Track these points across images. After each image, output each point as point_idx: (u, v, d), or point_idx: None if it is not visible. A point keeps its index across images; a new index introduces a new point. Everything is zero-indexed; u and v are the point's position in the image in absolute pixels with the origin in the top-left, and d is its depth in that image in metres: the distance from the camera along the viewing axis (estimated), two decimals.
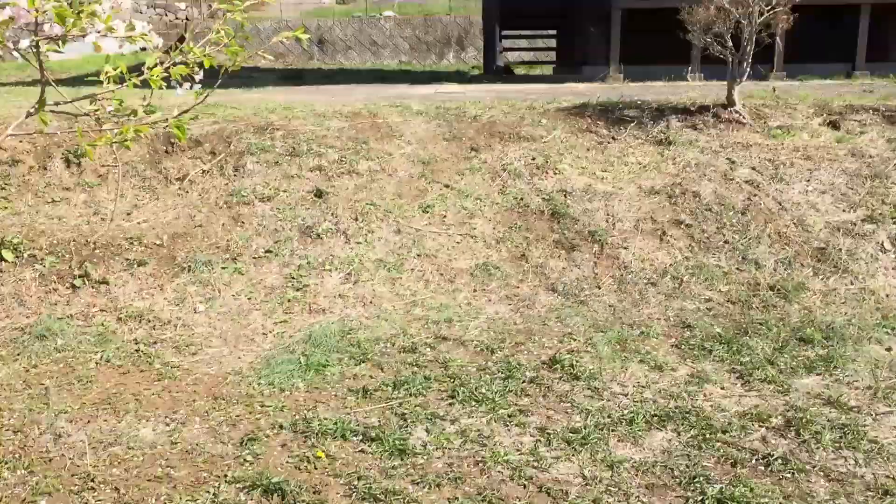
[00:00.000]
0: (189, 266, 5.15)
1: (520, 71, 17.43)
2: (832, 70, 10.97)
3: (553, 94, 8.75)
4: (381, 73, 17.90)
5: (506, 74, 11.51)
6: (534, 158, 6.21)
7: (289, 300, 4.94)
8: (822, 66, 11.01)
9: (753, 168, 5.97)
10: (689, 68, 10.55)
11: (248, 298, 4.94)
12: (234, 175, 5.99)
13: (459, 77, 16.07)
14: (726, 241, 5.48)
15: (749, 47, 6.43)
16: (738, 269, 5.26)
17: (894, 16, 11.30)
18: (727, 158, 6.08)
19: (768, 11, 6.34)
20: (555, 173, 6.06)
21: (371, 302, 4.94)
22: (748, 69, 6.54)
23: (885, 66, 11.17)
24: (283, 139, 6.34)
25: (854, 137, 6.43)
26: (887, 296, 5.01)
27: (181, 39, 3.14)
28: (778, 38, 6.48)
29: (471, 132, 6.56)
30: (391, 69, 19.60)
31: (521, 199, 5.84)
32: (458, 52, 21.19)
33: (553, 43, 15.96)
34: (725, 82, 10.04)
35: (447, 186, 5.93)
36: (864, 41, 10.55)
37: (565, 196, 5.82)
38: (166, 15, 21.82)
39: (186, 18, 22.23)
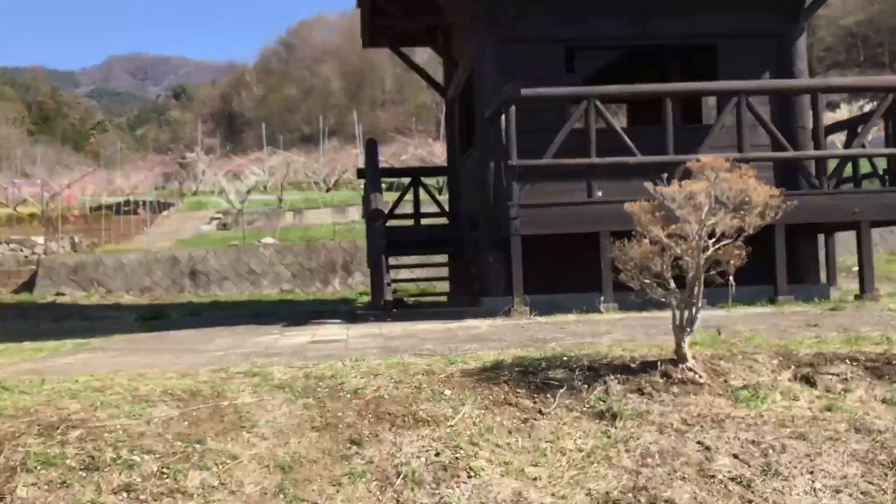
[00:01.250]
0: None
1: (411, 286, 16.09)
2: (754, 294, 9.94)
3: (452, 340, 7.17)
4: (257, 306, 16.19)
5: (396, 309, 9.92)
6: (438, 453, 4.46)
7: None
8: (744, 290, 9.98)
9: (736, 456, 4.38)
10: (602, 297, 9.29)
11: None
12: None
13: (346, 308, 14.51)
14: None
15: (698, 289, 5.05)
16: None
17: (805, 235, 10.55)
18: (698, 442, 4.49)
19: (715, 246, 5.02)
20: (469, 475, 4.30)
21: None
22: (698, 316, 5.12)
23: (803, 289, 10.24)
24: (81, 443, 4.40)
25: (839, 399, 5.00)
26: None
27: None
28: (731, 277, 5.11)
29: (351, 415, 4.80)
30: (271, 300, 17.93)
31: None
32: (345, 277, 19.82)
33: (446, 271, 14.72)
34: (645, 314, 8.79)
35: None
36: (783, 261, 9.63)
37: None
38: (21, 251, 19.80)
39: (44, 252, 20.28)
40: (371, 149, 11.49)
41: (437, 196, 15.05)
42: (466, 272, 12.17)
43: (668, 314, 8.83)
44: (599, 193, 9.38)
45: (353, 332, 8.47)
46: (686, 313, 5.08)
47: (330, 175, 46.14)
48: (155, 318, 13.43)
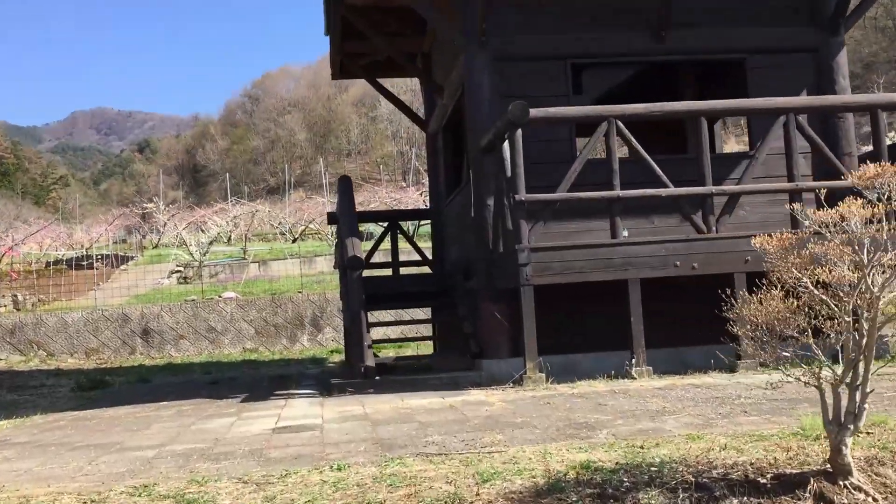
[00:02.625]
0: None
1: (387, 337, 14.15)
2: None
3: (463, 425, 5.33)
4: (215, 368, 14.15)
5: (379, 377, 8.04)
6: None
7: None
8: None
9: None
10: (632, 359, 7.51)
11: None
12: None
13: (317, 371, 12.55)
14: None
15: (866, 364, 3.29)
16: None
17: None
18: None
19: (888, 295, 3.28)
20: None
21: None
22: (866, 405, 3.35)
23: None
24: None
25: None
26: None
27: None
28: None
29: None
30: (232, 360, 15.88)
31: None
32: (314, 333, 17.83)
33: (428, 328, 12.86)
34: (690, 380, 7.00)
35: None
36: None
37: None
38: None
39: None
40: (345, 188, 9.70)
41: (418, 243, 13.25)
42: (455, 328, 10.37)
43: (719, 379, 7.13)
44: (625, 233, 7.66)
45: (330, 412, 6.56)
46: (848, 400, 3.30)
47: (296, 225, 44.21)
48: (94, 387, 11.35)
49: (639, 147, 7.71)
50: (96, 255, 35.70)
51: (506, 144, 7.99)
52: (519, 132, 7.60)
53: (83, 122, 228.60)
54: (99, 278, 28.09)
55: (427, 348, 13.50)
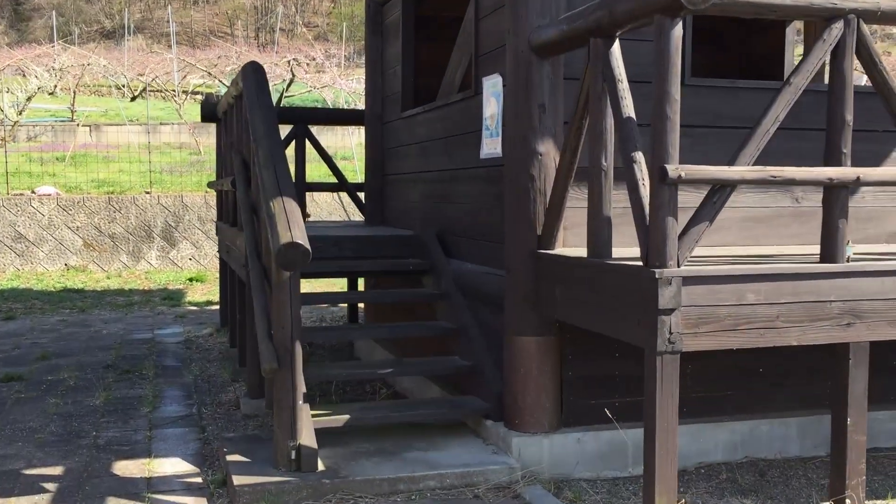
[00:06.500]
0: None
1: None
2: None
3: None
4: (12, 310, 9.47)
5: (323, 466, 3.94)
6: None
7: None
8: None
9: None
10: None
11: None
12: None
13: (177, 340, 8.23)
14: None
15: None
16: None
17: None
18: None
19: None
20: None
21: None
22: None
23: None
24: None
25: None
26: None
27: None
28: None
29: None
30: (46, 289, 11.08)
31: None
32: (165, 249, 13.16)
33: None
34: None
35: None
36: None
37: None
38: None
39: None
40: (259, 83, 5.19)
41: (339, 167, 8.96)
42: (409, 309, 6.37)
43: None
44: (851, 252, 3.79)
45: None
46: None
47: (135, 80, 37.19)
48: None
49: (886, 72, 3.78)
50: None
51: (615, 49, 3.84)
52: (678, 27, 3.46)
53: None
54: None
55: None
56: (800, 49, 7.51)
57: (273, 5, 64.67)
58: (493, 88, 5.06)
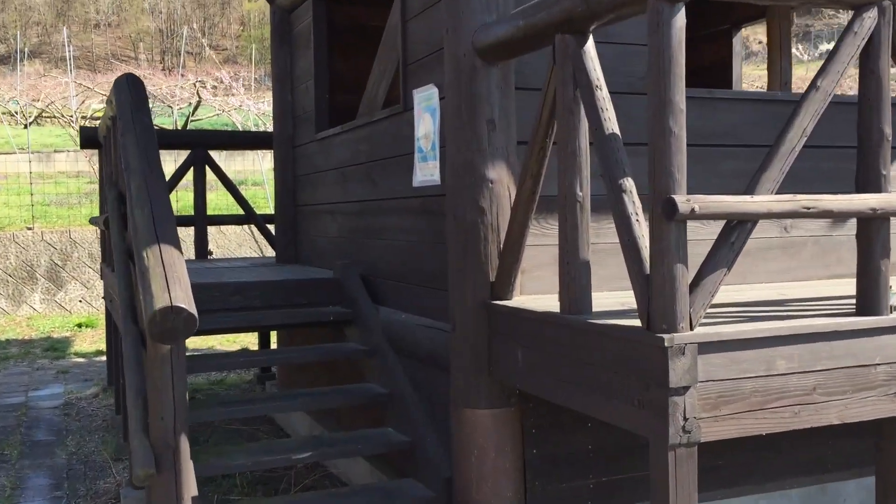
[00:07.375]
0: None
1: None
2: None
3: None
4: None
5: None
6: None
7: None
8: None
9: None
10: None
11: None
12: None
13: (53, 416, 6.99)
14: None
15: None
16: None
17: None
18: None
19: None
20: None
21: None
22: None
23: None
24: None
25: None
26: None
27: None
28: None
29: None
30: None
31: None
32: (51, 290, 11.70)
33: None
34: None
35: None
36: None
37: None
38: None
39: None
40: (138, 98, 4.11)
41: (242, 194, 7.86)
42: (328, 369, 5.34)
43: None
44: (895, 299, 2.98)
45: None
46: None
47: (28, 106, 34.85)
48: None
49: None
50: None
51: (590, 47, 2.97)
52: (680, 15, 2.61)
53: None
54: None
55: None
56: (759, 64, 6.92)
57: (178, 28, 62.50)
58: (426, 102, 4.13)
